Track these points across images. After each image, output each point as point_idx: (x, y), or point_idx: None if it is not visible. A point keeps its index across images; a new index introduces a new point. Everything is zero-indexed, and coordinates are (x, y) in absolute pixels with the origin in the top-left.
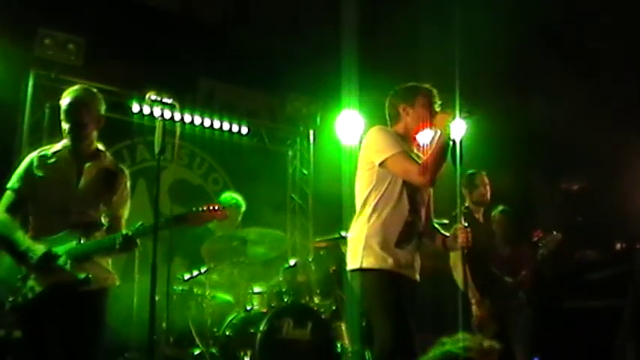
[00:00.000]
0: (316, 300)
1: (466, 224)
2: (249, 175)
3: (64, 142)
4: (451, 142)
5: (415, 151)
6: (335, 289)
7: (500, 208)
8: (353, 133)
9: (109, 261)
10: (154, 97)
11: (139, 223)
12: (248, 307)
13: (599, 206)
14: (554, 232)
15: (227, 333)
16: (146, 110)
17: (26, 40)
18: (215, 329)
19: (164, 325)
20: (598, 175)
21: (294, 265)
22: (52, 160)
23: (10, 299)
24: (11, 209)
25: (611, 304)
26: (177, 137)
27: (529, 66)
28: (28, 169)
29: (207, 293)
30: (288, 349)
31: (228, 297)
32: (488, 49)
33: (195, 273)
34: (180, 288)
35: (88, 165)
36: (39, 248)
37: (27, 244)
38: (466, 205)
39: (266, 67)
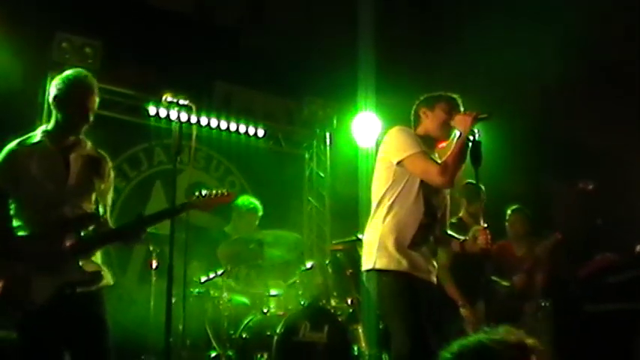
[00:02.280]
0: (333, 303)
1: (485, 225)
2: (266, 178)
3: (42, 129)
4: (470, 143)
5: (436, 154)
6: (352, 292)
7: (514, 207)
8: (369, 136)
9: (100, 259)
10: (170, 99)
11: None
12: (265, 310)
13: (617, 207)
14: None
15: (244, 335)
16: (162, 113)
17: (43, 43)
18: (232, 332)
19: (181, 327)
20: (615, 175)
21: (311, 267)
22: (35, 151)
23: (13, 307)
24: None
25: (631, 307)
26: (194, 140)
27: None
28: (9, 162)
29: (223, 296)
30: (304, 352)
31: (244, 299)
32: (507, 51)
33: (211, 275)
34: (197, 290)
35: (73, 155)
36: (31, 242)
37: (15, 239)
38: (459, 215)
39: (282, 70)
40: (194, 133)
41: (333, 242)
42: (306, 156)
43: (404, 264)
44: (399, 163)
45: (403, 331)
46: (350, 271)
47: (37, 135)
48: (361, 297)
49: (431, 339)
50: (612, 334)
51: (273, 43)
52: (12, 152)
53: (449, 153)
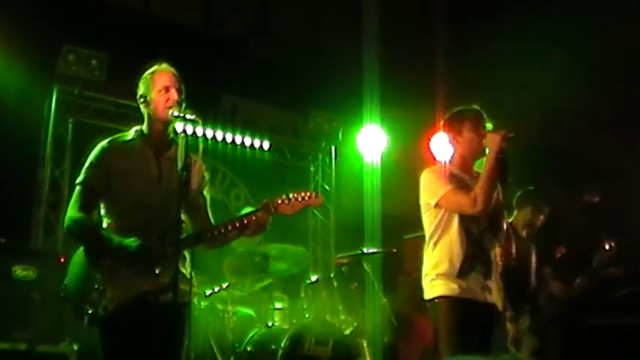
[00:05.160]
0: (338, 316)
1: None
2: (271, 191)
3: (136, 129)
4: (500, 160)
5: (477, 172)
6: (357, 306)
7: None
8: (375, 149)
9: (191, 273)
10: (176, 114)
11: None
12: (269, 323)
13: (622, 221)
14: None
15: (248, 349)
16: None
17: (50, 56)
18: (236, 345)
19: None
20: (620, 188)
21: (316, 281)
22: (127, 148)
23: (90, 311)
24: (84, 207)
25: (637, 321)
26: (200, 153)
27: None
28: (100, 159)
29: (228, 309)
30: None
31: (249, 312)
32: (513, 64)
33: (217, 289)
34: (202, 303)
35: (165, 156)
36: (132, 240)
37: (117, 238)
38: (510, 220)
39: (288, 83)
40: (200, 146)
41: (338, 256)
42: (312, 169)
43: (454, 289)
44: (435, 205)
45: (447, 352)
46: (355, 285)
47: (131, 133)
48: (366, 311)
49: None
50: (617, 348)
51: (279, 56)
52: (103, 149)
53: (480, 180)
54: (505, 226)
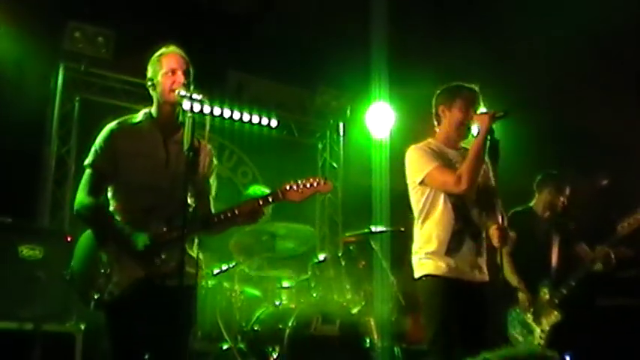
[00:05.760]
0: (345, 295)
1: (500, 226)
2: (278, 168)
3: (145, 111)
4: (488, 142)
5: (463, 149)
6: (364, 285)
7: None
8: (383, 126)
9: (199, 255)
10: (183, 93)
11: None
12: (277, 302)
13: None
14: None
15: (255, 328)
16: None
17: (56, 33)
18: (243, 324)
19: None
20: (630, 168)
21: (324, 260)
22: (135, 131)
23: (96, 296)
24: (94, 190)
25: None
26: (207, 131)
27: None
28: (108, 141)
29: (235, 288)
30: (316, 345)
31: (256, 292)
32: (523, 44)
33: (224, 267)
34: (210, 282)
35: (173, 139)
36: (141, 237)
37: (128, 230)
38: (530, 205)
39: (295, 60)
40: (207, 124)
41: (346, 234)
42: (319, 146)
43: (442, 267)
44: (421, 182)
45: (430, 330)
46: (363, 263)
47: (140, 115)
48: (373, 289)
49: (454, 341)
50: (624, 329)
51: (285, 32)
52: (112, 130)
53: (466, 159)
54: (498, 207)
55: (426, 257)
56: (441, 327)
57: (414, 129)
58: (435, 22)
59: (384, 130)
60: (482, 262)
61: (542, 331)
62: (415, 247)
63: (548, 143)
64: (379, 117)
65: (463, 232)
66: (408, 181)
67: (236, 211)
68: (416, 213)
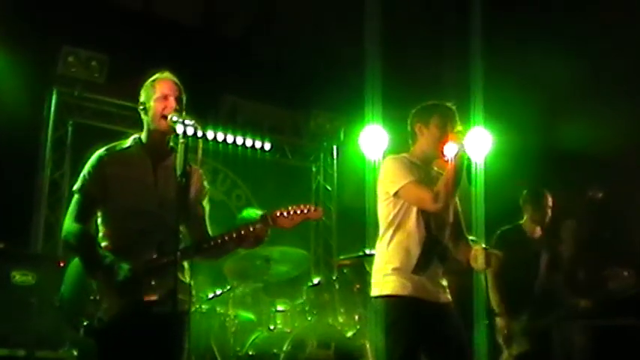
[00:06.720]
0: (340, 319)
1: (485, 246)
2: (272, 191)
3: (134, 137)
4: (465, 161)
5: (436, 170)
6: (359, 308)
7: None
8: (377, 149)
9: (190, 282)
10: (175, 118)
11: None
12: (271, 327)
13: (626, 219)
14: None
15: (250, 353)
16: None
17: (50, 57)
18: (238, 348)
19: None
20: (624, 183)
21: (318, 283)
22: (124, 156)
23: (85, 323)
24: (81, 217)
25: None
26: (200, 154)
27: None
28: (97, 167)
29: (230, 312)
30: None
31: (251, 316)
32: (513, 63)
33: (218, 292)
34: (204, 307)
35: (162, 164)
36: (124, 266)
37: (110, 257)
38: (519, 222)
39: (289, 83)
40: (200, 148)
41: (340, 257)
42: (313, 169)
43: (408, 288)
44: (394, 194)
45: (393, 354)
46: (357, 286)
47: (129, 141)
48: (368, 313)
49: None
50: (621, 349)
51: (279, 55)
52: (101, 156)
53: (443, 178)
54: (465, 231)
55: (392, 273)
56: (406, 352)
57: (407, 151)
58: (428, 45)
59: (377, 152)
60: (445, 284)
61: (510, 355)
62: (379, 262)
63: (539, 158)
64: (373, 139)
65: (432, 251)
66: (380, 191)
67: (226, 238)
68: (383, 226)
